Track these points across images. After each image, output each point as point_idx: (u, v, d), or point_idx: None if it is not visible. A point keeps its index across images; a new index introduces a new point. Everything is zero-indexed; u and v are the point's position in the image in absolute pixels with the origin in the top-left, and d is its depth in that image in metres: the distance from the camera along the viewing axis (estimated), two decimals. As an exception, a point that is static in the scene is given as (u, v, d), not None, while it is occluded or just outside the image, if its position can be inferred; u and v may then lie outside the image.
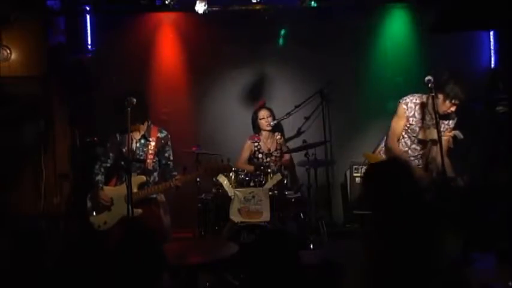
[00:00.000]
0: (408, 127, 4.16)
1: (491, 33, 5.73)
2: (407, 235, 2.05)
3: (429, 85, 3.84)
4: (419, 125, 4.11)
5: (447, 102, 3.93)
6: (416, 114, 4.11)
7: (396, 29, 5.86)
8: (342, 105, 5.60)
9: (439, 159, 3.86)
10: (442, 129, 4.02)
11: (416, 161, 4.24)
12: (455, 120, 4.12)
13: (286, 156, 5.34)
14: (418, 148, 4.18)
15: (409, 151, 4.22)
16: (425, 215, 2.13)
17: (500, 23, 4.87)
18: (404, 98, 4.18)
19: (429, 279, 1.99)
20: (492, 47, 5.74)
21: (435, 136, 3.89)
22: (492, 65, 5.73)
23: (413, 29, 5.81)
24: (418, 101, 4.11)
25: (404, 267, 2.01)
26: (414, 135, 4.15)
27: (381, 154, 4.38)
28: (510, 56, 5.27)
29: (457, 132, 3.91)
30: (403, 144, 4.23)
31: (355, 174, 5.62)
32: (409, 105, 4.13)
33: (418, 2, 5.74)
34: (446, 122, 4.10)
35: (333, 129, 5.39)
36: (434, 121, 3.82)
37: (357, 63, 5.77)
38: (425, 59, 5.64)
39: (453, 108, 3.96)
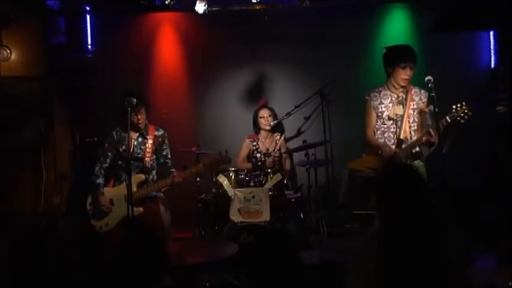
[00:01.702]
0: (383, 118, 4.21)
1: (491, 33, 5.73)
2: (420, 237, 2.05)
3: (429, 85, 3.87)
4: (390, 107, 4.20)
5: (397, 68, 4.09)
6: (382, 100, 4.23)
7: (396, 29, 5.85)
8: (342, 105, 5.60)
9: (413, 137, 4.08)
10: (414, 107, 4.17)
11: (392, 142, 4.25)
12: (427, 95, 4.16)
13: (287, 166, 5.35)
14: (391, 127, 4.21)
15: (386, 140, 4.25)
16: (435, 216, 2.13)
17: (500, 23, 4.87)
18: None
19: (437, 280, 1.99)
20: (492, 47, 5.74)
21: (401, 112, 4.13)
22: (492, 65, 5.73)
23: (413, 29, 5.80)
24: (380, 89, 4.26)
25: (416, 268, 2.01)
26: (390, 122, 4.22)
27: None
28: (510, 56, 5.26)
29: (430, 107, 3.98)
30: (380, 135, 4.27)
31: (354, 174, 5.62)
32: (372, 95, 4.28)
33: (418, 2, 5.74)
34: (417, 100, 4.19)
35: (333, 129, 5.39)
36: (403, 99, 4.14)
37: (357, 63, 5.76)
38: (425, 59, 5.63)
39: (408, 72, 4.07)
